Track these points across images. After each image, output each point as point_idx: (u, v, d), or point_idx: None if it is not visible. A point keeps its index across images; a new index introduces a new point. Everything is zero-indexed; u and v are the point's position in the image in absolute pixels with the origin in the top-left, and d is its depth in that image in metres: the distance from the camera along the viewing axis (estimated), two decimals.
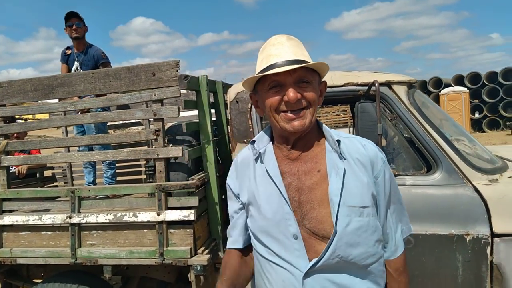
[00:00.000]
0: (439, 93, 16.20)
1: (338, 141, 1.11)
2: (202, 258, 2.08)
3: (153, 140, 2.17)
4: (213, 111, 2.48)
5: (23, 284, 2.82)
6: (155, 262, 2.10)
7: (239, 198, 1.22)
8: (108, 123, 3.86)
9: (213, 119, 2.51)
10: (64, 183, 4.36)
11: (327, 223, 1.04)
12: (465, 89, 15.90)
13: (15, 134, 2.84)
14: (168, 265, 2.14)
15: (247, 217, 1.21)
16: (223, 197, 2.47)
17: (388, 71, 2.38)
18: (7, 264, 2.33)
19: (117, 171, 3.95)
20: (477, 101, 17.33)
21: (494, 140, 12.67)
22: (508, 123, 16.04)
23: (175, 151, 2.11)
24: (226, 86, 2.66)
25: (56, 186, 4.38)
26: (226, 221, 2.43)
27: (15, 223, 2.28)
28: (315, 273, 1.03)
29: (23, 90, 2.31)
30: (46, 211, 2.37)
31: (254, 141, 1.20)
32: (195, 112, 3.73)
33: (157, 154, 2.14)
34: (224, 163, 2.54)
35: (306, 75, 1.07)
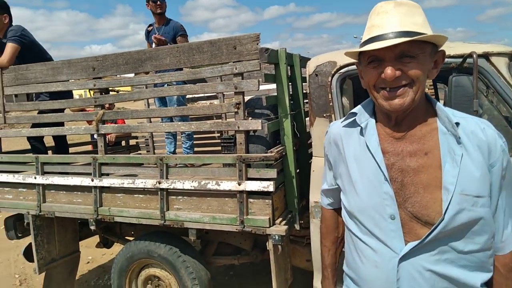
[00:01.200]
0: None
1: (457, 123, 1.02)
2: (280, 229, 2.15)
3: (234, 113, 2.24)
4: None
5: (117, 240, 3.18)
6: (236, 229, 2.22)
7: (333, 169, 1.23)
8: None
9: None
10: (147, 151, 4.74)
11: (433, 209, 0.98)
12: None
13: (107, 105, 3.12)
14: (245, 232, 2.26)
15: (340, 190, 1.21)
16: (298, 170, 2.50)
17: (471, 41, 2.15)
18: (105, 221, 2.63)
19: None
20: None
21: None
22: None
23: (255, 124, 2.16)
24: (303, 60, 2.62)
25: (140, 154, 4.77)
26: (301, 194, 2.48)
27: (112, 185, 2.54)
28: (413, 257, 1.00)
29: (116, 64, 2.51)
30: (135, 176, 2.61)
31: (354, 113, 1.15)
32: (268, 86, 3.82)
33: (238, 127, 2.21)
34: (299, 137, 2.55)
35: (410, 49, 0.97)
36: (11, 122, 2.92)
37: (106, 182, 2.55)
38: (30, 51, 3.09)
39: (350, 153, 1.13)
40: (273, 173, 2.14)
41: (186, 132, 3.74)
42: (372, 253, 1.06)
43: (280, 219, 2.27)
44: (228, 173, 2.29)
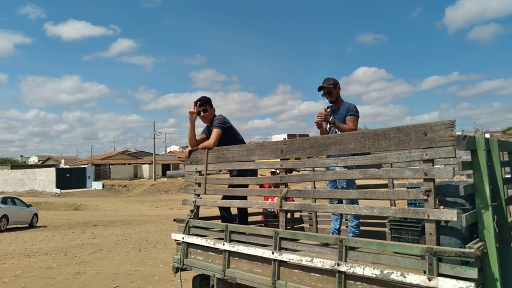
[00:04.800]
0: None
1: None
2: None
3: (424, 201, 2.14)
4: None
5: None
6: None
7: None
8: None
9: None
10: (309, 225, 4.84)
11: None
12: None
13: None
14: None
15: None
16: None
17: None
18: None
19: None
20: None
21: None
22: None
23: (449, 215, 2.00)
24: (503, 144, 2.37)
25: (303, 227, 4.91)
26: None
27: (290, 261, 2.66)
28: None
29: (302, 147, 2.77)
30: (313, 254, 2.67)
31: None
32: None
33: (428, 216, 2.08)
34: (500, 232, 2.22)
35: None
36: (210, 194, 3.48)
37: (285, 256, 2.69)
38: (228, 134, 3.73)
39: None
40: (473, 272, 1.90)
41: (354, 218, 3.68)
42: None
43: None
44: (415, 265, 2.13)
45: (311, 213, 4.90)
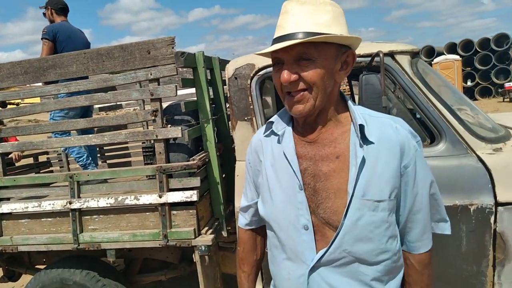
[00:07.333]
0: (432, 62, 16.05)
1: (361, 126, 0.96)
2: (206, 239, 2.07)
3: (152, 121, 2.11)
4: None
5: (26, 270, 2.81)
6: (159, 244, 2.08)
7: (254, 179, 1.17)
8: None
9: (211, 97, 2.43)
10: (60, 167, 4.30)
11: (342, 214, 0.95)
12: (457, 57, 15.78)
13: None
14: (171, 246, 2.13)
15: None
16: (224, 176, 2.44)
17: (380, 41, 2.30)
18: (8, 252, 2.30)
19: (108, 154, 4.32)
20: (469, 69, 17.26)
21: (487, 107, 12.69)
22: (500, 90, 16.09)
23: (175, 132, 2.05)
24: (223, 62, 2.58)
25: (52, 171, 4.32)
26: (228, 200, 2.42)
27: (14, 211, 2.23)
28: (322, 267, 0.97)
29: (13, 74, 2.21)
30: (45, 197, 2.33)
31: (272, 122, 1.10)
32: (190, 90, 3.73)
33: (156, 135, 2.08)
34: (222, 142, 2.50)
35: (307, 51, 0.91)
36: None
37: (6, 208, 2.23)
38: None
39: (268, 162, 1.09)
40: (196, 181, 2.05)
41: (75, 153, 3.41)
42: (286, 265, 1.04)
43: (206, 228, 2.18)
44: (149, 185, 2.14)
45: (60, 154, 4.34)
